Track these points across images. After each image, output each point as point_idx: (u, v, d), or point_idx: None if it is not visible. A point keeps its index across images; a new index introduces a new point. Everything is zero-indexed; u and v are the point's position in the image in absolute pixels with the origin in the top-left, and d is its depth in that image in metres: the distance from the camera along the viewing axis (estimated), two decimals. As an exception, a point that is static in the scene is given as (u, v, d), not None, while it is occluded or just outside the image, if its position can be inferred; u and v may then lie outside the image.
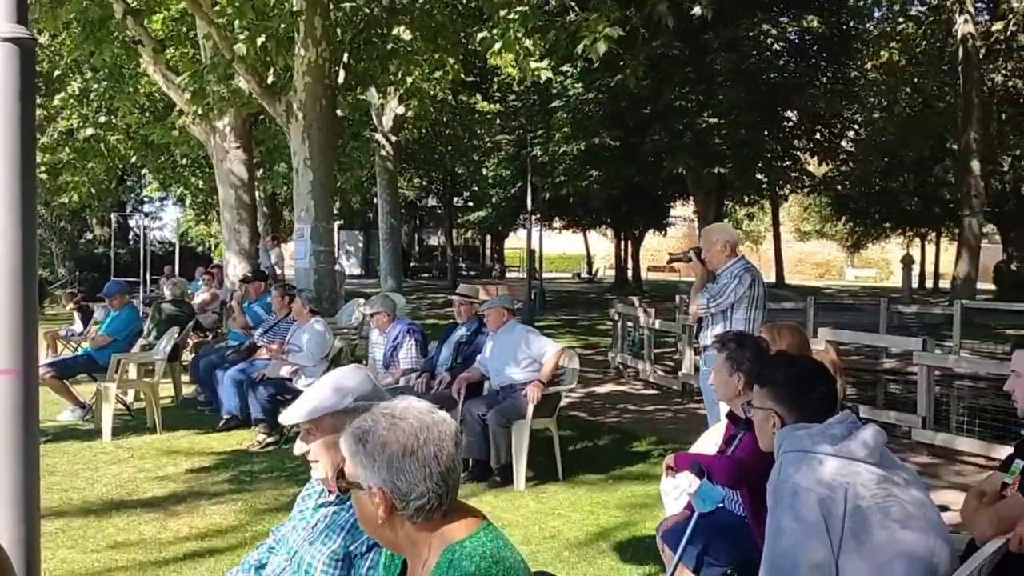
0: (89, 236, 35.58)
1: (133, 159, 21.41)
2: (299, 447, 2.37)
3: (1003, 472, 2.77)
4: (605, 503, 5.94)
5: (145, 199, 41.52)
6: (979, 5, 23.60)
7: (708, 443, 4.05)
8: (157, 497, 6.02)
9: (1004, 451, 6.92)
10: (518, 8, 8.93)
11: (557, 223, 38.05)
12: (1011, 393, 2.72)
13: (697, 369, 9.46)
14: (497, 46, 9.07)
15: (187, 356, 10.58)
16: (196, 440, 7.88)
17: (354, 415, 2.28)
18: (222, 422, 8.25)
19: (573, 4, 8.97)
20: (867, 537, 2.18)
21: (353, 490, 1.75)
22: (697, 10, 9.27)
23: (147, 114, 17.54)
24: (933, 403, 7.74)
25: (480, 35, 9.71)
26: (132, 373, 8.99)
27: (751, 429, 3.10)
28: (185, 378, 10.01)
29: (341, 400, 2.31)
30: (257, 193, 18.41)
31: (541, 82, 11.36)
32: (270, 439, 7.53)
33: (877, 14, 26.13)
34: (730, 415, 3.61)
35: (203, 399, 9.22)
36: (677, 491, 3.89)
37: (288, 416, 2.35)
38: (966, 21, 21.19)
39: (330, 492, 2.39)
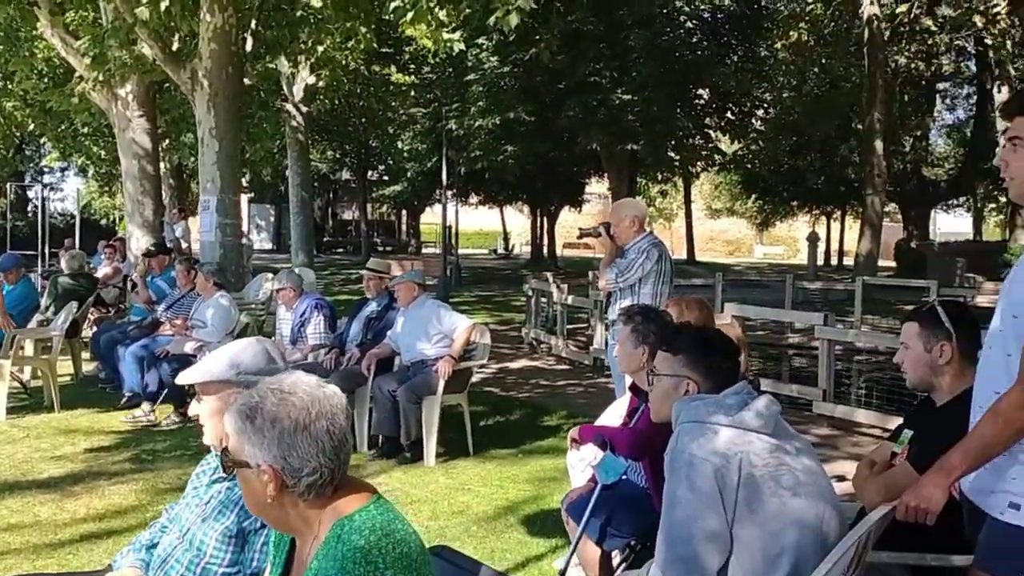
0: (-16, 207, 34.09)
1: (31, 127, 20.50)
2: (192, 408, 2.44)
3: (892, 442, 2.85)
4: (514, 477, 5.96)
5: (45, 169, 39.95)
6: (885, -13, 24.24)
7: (613, 416, 4.08)
8: (54, 478, 5.81)
9: (897, 422, 7.22)
10: (430, -23, 8.80)
11: (473, 198, 37.96)
12: (900, 365, 2.79)
13: (607, 343, 9.59)
14: (409, 16, 8.91)
15: (88, 332, 10.22)
16: (96, 419, 7.62)
17: (239, 387, 2.28)
18: (124, 399, 8.00)
19: (486, -25, 8.88)
20: (759, 506, 2.22)
21: (239, 469, 1.69)
22: (611, -15, 9.28)
23: (45, 80, 16.79)
24: (834, 377, 7.96)
25: (392, 4, 9.53)
26: (28, 350, 8.65)
27: (653, 401, 3.13)
28: (86, 355, 9.67)
29: (227, 369, 2.35)
30: (162, 164, 17.84)
31: (455, 54, 11.24)
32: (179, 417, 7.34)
33: (787, -6, 26.70)
34: (633, 387, 3.64)
35: (104, 376, 8.91)
36: (582, 463, 3.92)
37: (182, 377, 2.44)
38: (872, 3, 21.76)
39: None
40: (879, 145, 22.21)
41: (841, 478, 5.63)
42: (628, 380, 3.82)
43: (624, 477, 3.33)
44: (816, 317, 8.13)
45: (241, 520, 2.29)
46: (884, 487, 2.59)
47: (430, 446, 6.30)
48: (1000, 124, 22.90)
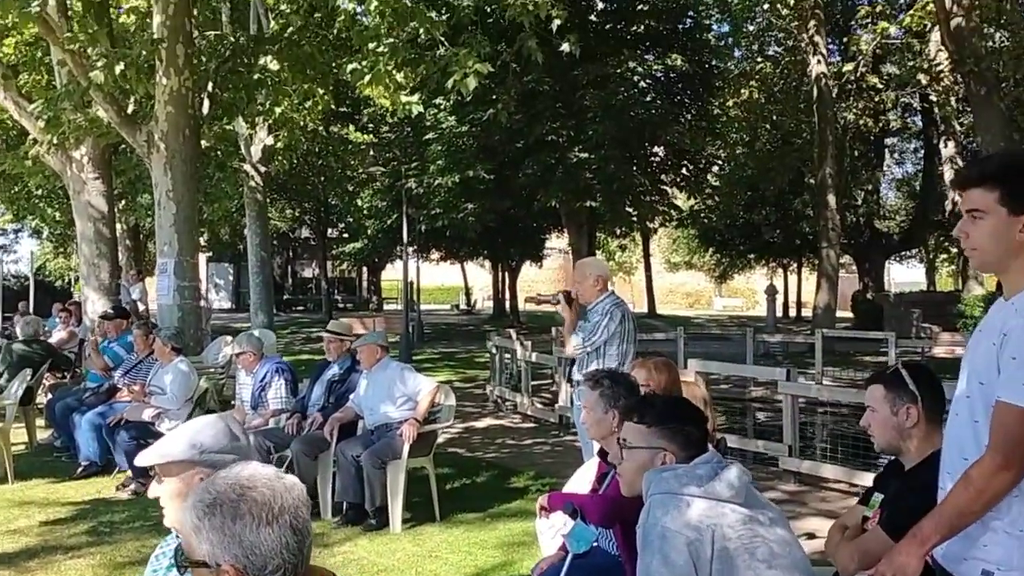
0: (-66, 270, 33.39)
1: (-17, 188, 20.23)
2: (152, 490, 2.36)
3: (863, 505, 2.84)
4: (483, 543, 5.86)
5: (-3, 231, 39.34)
6: (831, 47, 24.92)
7: (582, 481, 4.04)
8: (7, 553, 5.63)
9: (866, 478, 7.23)
10: (387, 41, 8.90)
11: (435, 254, 37.95)
12: (867, 428, 2.80)
13: (573, 402, 9.56)
14: (367, 78, 9.00)
15: (42, 398, 9.98)
16: (52, 489, 7.42)
17: (202, 467, 2.23)
18: (80, 469, 7.81)
19: (442, 39, 8.98)
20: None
21: (196, 569, 1.61)
22: (565, 47, 9.42)
23: (-2, 143, 16.62)
24: (798, 431, 7.98)
25: (350, 67, 9.60)
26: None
27: (623, 467, 3.10)
28: (40, 422, 9.44)
29: (188, 450, 2.27)
30: (118, 225, 17.66)
31: (413, 116, 11.32)
32: (140, 488, 7.14)
33: (737, 54, 27.31)
34: (601, 452, 3.60)
35: (59, 444, 8.68)
36: (552, 531, 3.87)
37: (140, 459, 2.35)
38: (819, 62, 22.32)
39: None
40: (832, 199, 22.61)
41: (811, 535, 5.66)
42: (596, 445, 3.79)
43: (595, 544, 3.29)
44: (779, 372, 8.18)
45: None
46: (858, 553, 2.58)
47: (395, 512, 6.20)
48: (948, 174, 23.49)
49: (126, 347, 9.19)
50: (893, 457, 2.83)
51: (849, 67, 22.79)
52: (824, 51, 22.71)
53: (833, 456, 8.24)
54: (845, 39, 25.35)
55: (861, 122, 26.40)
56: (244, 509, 1.56)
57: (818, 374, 14.48)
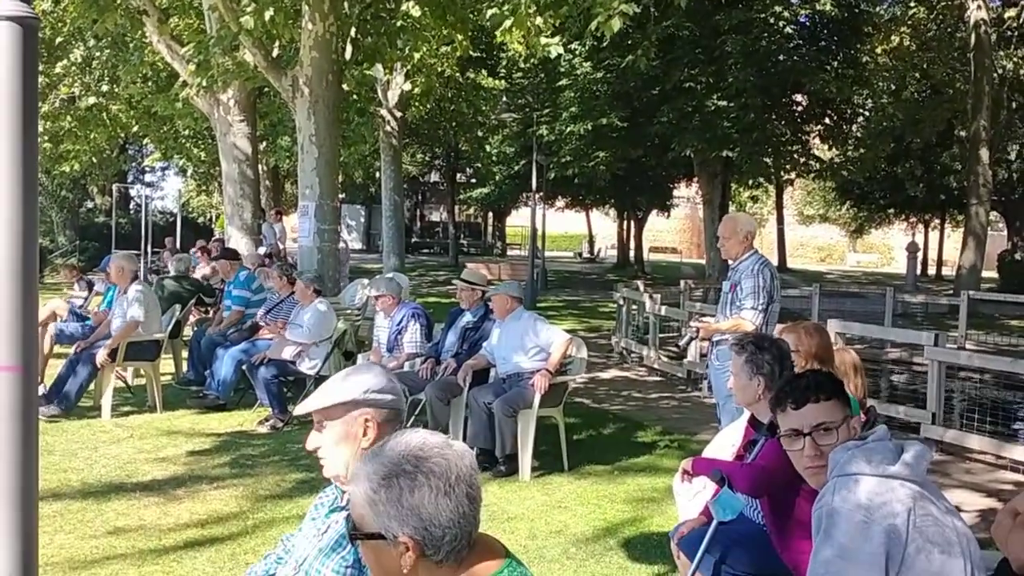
0: (89, 205, 35.41)
1: (135, 129, 21.19)
2: (311, 441, 2.33)
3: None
4: (612, 496, 5.84)
5: (146, 169, 41.32)
6: (992, -9, 23.36)
7: (724, 445, 3.94)
8: (157, 480, 5.93)
9: (1016, 450, 6.88)
10: (530, -16, 8.75)
11: (560, 202, 37.85)
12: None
13: (703, 355, 9.39)
14: (508, 23, 8.88)
15: (188, 332, 10.46)
16: (197, 420, 7.78)
17: (367, 407, 2.23)
18: (207, 398, 8.14)
19: (585, -18, 8.79)
20: (908, 563, 2.08)
21: (368, 543, 1.59)
22: (711, -9, 9.09)
23: (150, 84, 17.32)
24: (943, 399, 7.64)
25: (490, 11, 9.52)
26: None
27: (774, 436, 2.99)
28: (186, 355, 9.91)
29: (352, 390, 2.26)
30: (260, 167, 18.23)
31: (551, 59, 11.18)
32: (279, 423, 7.43)
33: (888, -2, 25.90)
34: (751, 419, 3.50)
35: (193, 378, 8.95)
36: (691, 494, 3.80)
37: (302, 407, 2.34)
38: (979, 7, 20.96)
39: (342, 488, 2.30)
40: (984, 154, 21.38)
41: (957, 508, 5.41)
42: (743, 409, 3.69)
43: (740, 513, 3.21)
44: (925, 336, 7.82)
45: (359, 552, 2.24)
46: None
47: (525, 460, 6.24)
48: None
49: (242, 285, 9.48)
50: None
51: (1012, 13, 21.36)
52: (985, -5, 21.30)
53: (979, 426, 7.84)
54: (1008, -17, 23.72)
55: (1021, 72, 24.72)
56: (421, 480, 1.54)
57: (961, 337, 13.80)
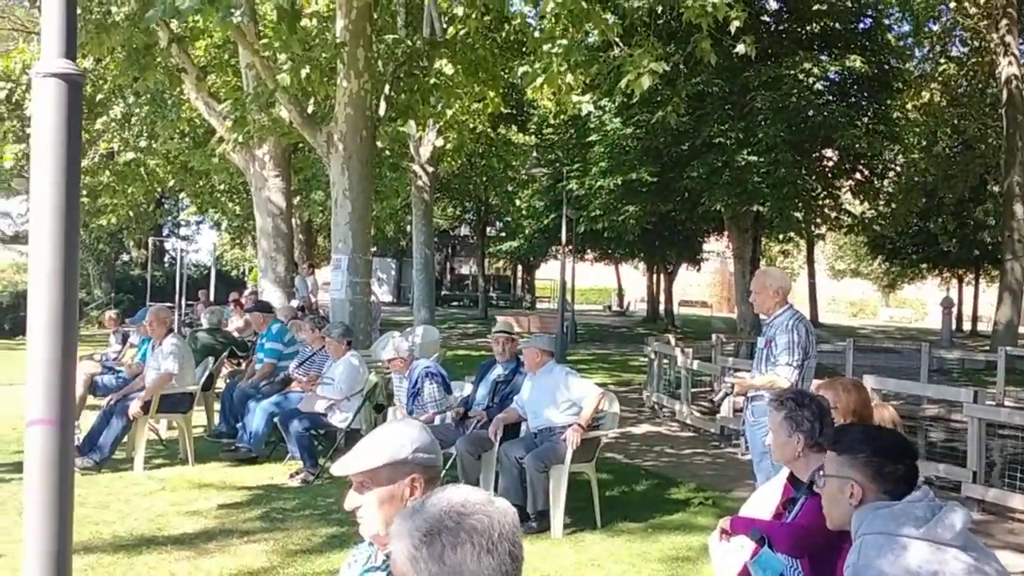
0: (126, 258, 35.95)
1: (171, 183, 21.57)
2: (350, 501, 2.24)
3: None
4: (646, 555, 5.75)
5: (181, 223, 41.95)
6: (1023, 47, 23.34)
7: (762, 503, 3.87)
8: (188, 534, 5.92)
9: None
10: (560, 42, 8.87)
11: (589, 255, 37.90)
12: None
13: (737, 411, 9.28)
14: (539, 80, 8.99)
15: (221, 385, 10.52)
16: (228, 473, 7.79)
17: (412, 467, 2.18)
18: (239, 451, 8.14)
19: (617, 40, 8.88)
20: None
21: None
22: (740, 48, 9.12)
23: (187, 140, 17.67)
24: (984, 457, 7.48)
25: (521, 69, 9.66)
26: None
27: (814, 494, 2.94)
28: (218, 407, 9.95)
29: (400, 450, 2.18)
30: (293, 220, 18.45)
31: (582, 115, 11.28)
32: (311, 477, 7.41)
33: (918, 54, 25.93)
34: (791, 477, 3.44)
35: (224, 430, 8.95)
36: (728, 553, 3.72)
37: (344, 467, 2.23)
38: (1010, 63, 20.96)
39: (381, 549, 2.26)
40: (1019, 209, 21.23)
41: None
42: (782, 467, 3.63)
43: (781, 575, 3.14)
44: (964, 393, 7.68)
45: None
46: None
47: (557, 517, 6.17)
48: None
49: (273, 338, 9.56)
50: None
51: (1043, 67, 21.35)
52: (1016, 52, 21.28)
53: (1020, 485, 7.65)
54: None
55: (1055, 127, 24.55)
56: (464, 537, 1.52)
57: (1000, 394, 13.56)
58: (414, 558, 1.53)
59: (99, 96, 16.75)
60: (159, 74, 12.78)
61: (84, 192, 18.68)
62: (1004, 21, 21.05)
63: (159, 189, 23.54)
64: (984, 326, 35.03)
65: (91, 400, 9.21)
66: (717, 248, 43.10)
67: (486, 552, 1.52)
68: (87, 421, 8.32)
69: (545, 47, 8.84)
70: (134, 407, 7.68)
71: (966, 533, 2.16)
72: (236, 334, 11.94)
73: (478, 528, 1.53)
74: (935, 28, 25.14)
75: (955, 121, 26.18)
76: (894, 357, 18.30)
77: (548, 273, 46.99)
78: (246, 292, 18.01)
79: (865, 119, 20.19)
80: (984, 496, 7.24)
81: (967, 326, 38.54)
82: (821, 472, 2.59)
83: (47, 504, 2.49)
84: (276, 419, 7.99)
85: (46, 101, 2.51)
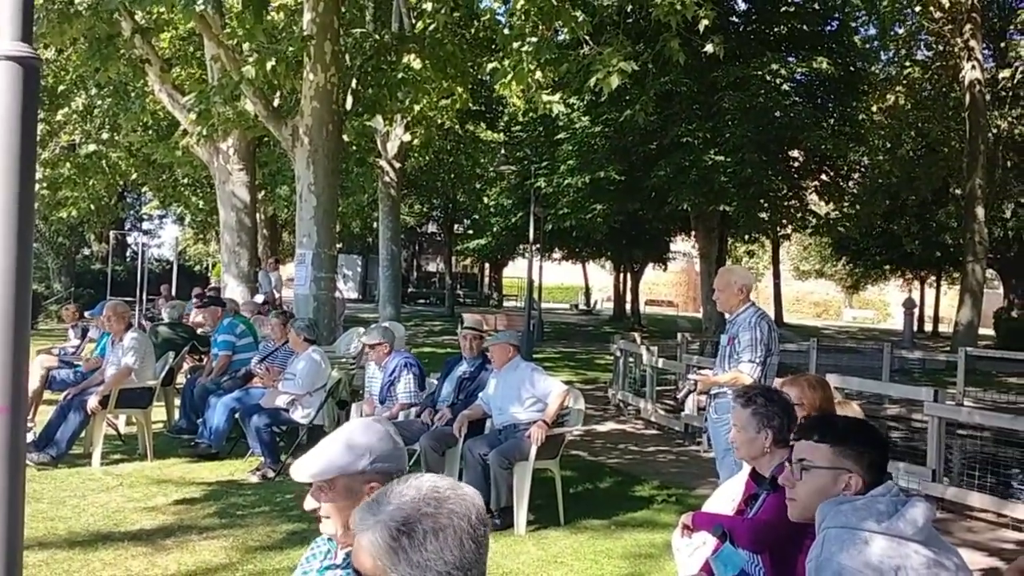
0: (86, 252, 35.40)
1: (134, 176, 21.27)
2: (309, 503, 2.19)
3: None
4: (609, 552, 5.73)
5: (144, 216, 41.44)
6: (986, 52, 23.70)
7: (724, 499, 3.87)
8: (145, 530, 5.81)
9: (1017, 508, 6.78)
10: (530, 40, 8.85)
11: (556, 253, 37.97)
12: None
13: (700, 409, 9.31)
14: (508, 77, 8.97)
15: (181, 380, 10.37)
16: (187, 469, 7.66)
17: (371, 475, 2.11)
18: (199, 447, 8.03)
19: (586, 38, 8.88)
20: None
21: None
22: (709, 48, 9.17)
23: (151, 132, 17.43)
24: (943, 456, 7.55)
25: (490, 66, 9.63)
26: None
27: (776, 490, 2.94)
28: (179, 403, 9.81)
29: (357, 460, 2.12)
30: (257, 215, 18.27)
31: (552, 115, 11.26)
32: (271, 473, 7.32)
33: (884, 57, 26.25)
34: (753, 473, 3.43)
35: (184, 426, 8.85)
36: (690, 549, 3.71)
37: (299, 472, 2.17)
38: (973, 68, 21.25)
39: (341, 548, 2.21)
40: (980, 212, 21.54)
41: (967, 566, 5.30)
42: (744, 464, 3.62)
43: (742, 570, 3.13)
44: (925, 392, 7.75)
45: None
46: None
47: (521, 514, 6.14)
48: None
49: (227, 331, 9.50)
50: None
51: (1006, 73, 21.67)
52: (979, 56, 21.59)
53: (979, 483, 7.74)
54: (1002, 44, 24.09)
55: (1016, 131, 24.99)
56: (444, 522, 1.48)
57: (959, 394, 13.77)
58: (391, 549, 1.48)
59: (60, 87, 16.48)
60: (122, 65, 12.61)
61: (44, 184, 18.39)
62: (968, 26, 21.33)
63: (121, 182, 23.21)
64: (945, 327, 35.55)
65: (48, 395, 9.04)
66: (684, 248, 43.39)
67: (471, 538, 1.49)
68: (43, 416, 8.17)
69: (515, 44, 8.82)
70: (92, 402, 7.54)
71: (928, 528, 2.16)
72: (199, 330, 11.80)
73: (458, 511, 1.50)
74: (901, 31, 25.46)
75: (919, 124, 26.54)
76: (857, 357, 18.47)
77: (515, 271, 47.05)
78: (209, 287, 17.81)
79: (831, 120, 20.43)
80: (943, 494, 7.30)
81: (928, 327, 39.10)
82: (804, 462, 2.52)
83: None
84: (237, 414, 7.90)
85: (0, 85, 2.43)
